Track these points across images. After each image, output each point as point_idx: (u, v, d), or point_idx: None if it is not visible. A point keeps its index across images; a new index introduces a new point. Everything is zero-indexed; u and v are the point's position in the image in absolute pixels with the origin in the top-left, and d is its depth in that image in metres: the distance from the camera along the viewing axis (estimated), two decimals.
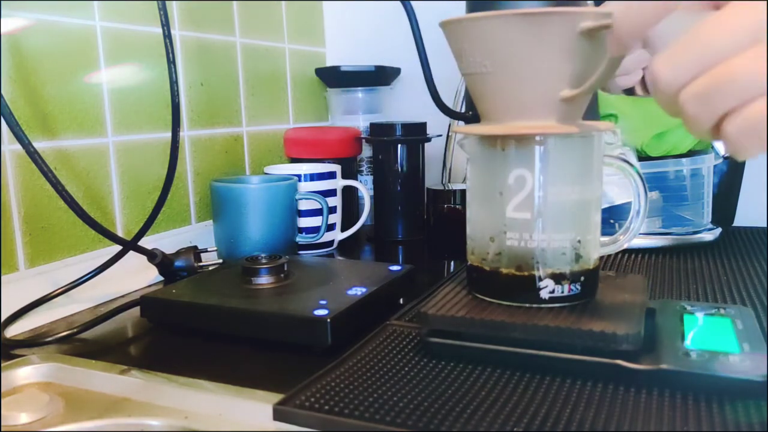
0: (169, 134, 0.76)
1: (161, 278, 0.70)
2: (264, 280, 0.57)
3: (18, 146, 0.55)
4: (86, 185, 0.67)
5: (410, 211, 0.88)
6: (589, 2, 0.61)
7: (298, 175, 0.80)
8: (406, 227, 0.88)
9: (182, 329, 0.54)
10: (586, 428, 0.35)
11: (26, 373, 0.47)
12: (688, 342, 0.41)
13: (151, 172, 0.75)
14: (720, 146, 0.77)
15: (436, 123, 0.92)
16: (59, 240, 0.64)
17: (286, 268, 0.59)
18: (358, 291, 0.54)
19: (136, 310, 0.57)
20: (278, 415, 0.38)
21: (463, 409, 0.37)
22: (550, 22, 0.38)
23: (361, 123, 1.01)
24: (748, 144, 0.29)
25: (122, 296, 0.66)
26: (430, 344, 0.45)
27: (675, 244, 0.74)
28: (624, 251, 0.73)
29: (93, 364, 0.47)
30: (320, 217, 0.79)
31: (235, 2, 0.88)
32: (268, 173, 0.84)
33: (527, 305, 0.44)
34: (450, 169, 0.91)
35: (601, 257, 0.48)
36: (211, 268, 0.68)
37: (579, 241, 0.44)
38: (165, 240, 0.74)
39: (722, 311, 0.46)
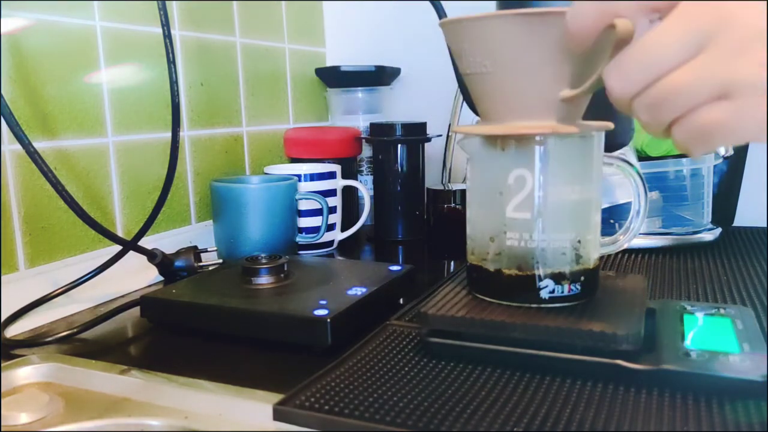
0: (169, 134, 0.76)
1: (161, 278, 0.70)
2: (264, 280, 0.57)
3: (18, 146, 0.55)
4: (86, 185, 0.67)
5: (410, 211, 0.88)
6: None
7: (298, 175, 0.80)
8: (406, 227, 0.88)
9: (182, 329, 0.54)
10: (586, 428, 0.35)
11: (26, 373, 0.47)
12: (688, 342, 0.41)
13: (151, 172, 0.75)
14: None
15: (436, 123, 0.92)
16: (59, 240, 0.64)
17: (286, 268, 0.59)
18: (358, 291, 0.54)
19: (136, 310, 0.57)
20: (278, 415, 0.38)
21: (463, 409, 0.37)
22: (550, 23, 0.38)
23: (361, 123, 1.01)
24: (693, 147, 0.32)
25: (122, 296, 0.66)
26: (430, 344, 0.45)
27: (675, 244, 0.74)
28: (624, 251, 0.73)
29: (93, 364, 0.47)
30: (320, 217, 0.79)
31: (235, 2, 0.88)
32: (268, 173, 0.84)
33: (527, 305, 0.44)
34: (450, 169, 0.91)
35: (601, 257, 0.48)
36: (211, 268, 0.68)
37: (579, 241, 0.44)
38: (165, 240, 0.74)
39: (722, 311, 0.46)
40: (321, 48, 1.10)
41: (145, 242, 0.65)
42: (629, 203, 0.50)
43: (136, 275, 0.69)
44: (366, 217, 0.86)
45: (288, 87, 1.01)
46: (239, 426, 0.39)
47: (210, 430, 0.39)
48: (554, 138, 0.43)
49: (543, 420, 0.35)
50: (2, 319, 0.56)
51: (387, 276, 0.58)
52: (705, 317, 0.45)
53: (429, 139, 0.89)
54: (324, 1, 1.10)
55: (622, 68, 0.32)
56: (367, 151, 0.97)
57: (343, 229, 0.86)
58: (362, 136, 0.95)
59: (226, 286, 0.57)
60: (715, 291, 0.59)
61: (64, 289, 0.60)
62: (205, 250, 0.72)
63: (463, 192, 0.81)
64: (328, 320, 0.47)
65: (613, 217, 0.72)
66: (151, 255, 0.66)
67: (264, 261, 0.59)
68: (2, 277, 0.58)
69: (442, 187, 0.83)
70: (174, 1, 0.78)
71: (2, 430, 0.40)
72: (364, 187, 0.86)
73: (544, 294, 0.44)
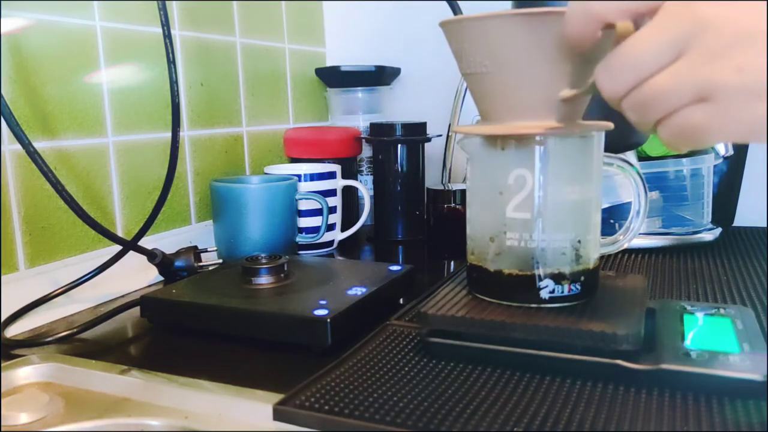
0: (169, 134, 0.76)
1: (161, 278, 0.70)
2: (264, 280, 0.57)
3: (18, 146, 0.55)
4: (86, 185, 0.67)
5: (410, 211, 0.88)
6: None
7: (298, 175, 0.80)
8: (406, 227, 0.88)
9: (182, 329, 0.54)
10: (586, 428, 0.35)
11: (26, 373, 0.47)
12: (688, 342, 0.41)
13: (151, 172, 0.75)
14: (720, 146, 0.77)
15: (436, 123, 0.92)
16: (59, 240, 0.64)
17: (286, 268, 0.59)
18: (358, 291, 0.54)
19: (136, 310, 0.57)
20: (278, 415, 0.38)
21: (463, 409, 0.37)
22: (550, 23, 0.38)
23: (361, 123, 1.01)
24: (676, 144, 0.34)
25: (122, 296, 0.66)
26: (430, 344, 0.45)
27: (675, 244, 0.74)
28: (624, 251, 0.73)
29: (93, 364, 0.47)
30: (320, 217, 0.79)
31: (235, 2, 0.88)
32: (268, 173, 0.84)
33: (527, 305, 0.44)
34: (450, 169, 0.91)
35: (601, 257, 0.48)
36: (211, 268, 0.68)
37: (579, 241, 0.44)
38: (165, 240, 0.74)
39: (722, 311, 0.46)
40: (321, 48, 1.10)
41: (145, 242, 0.65)
42: (629, 203, 0.50)
43: (136, 275, 0.69)
44: (366, 217, 0.86)
45: (288, 87, 1.01)
46: (239, 426, 0.39)
47: (210, 430, 0.39)
48: (554, 138, 0.43)
49: (543, 420, 0.35)
50: (2, 319, 0.56)
51: (387, 276, 0.58)
52: (705, 317, 0.45)
53: (429, 139, 0.89)
54: (324, 1, 1.10)
55: (609, 69, 0.34)
56: (367, 151, 0.97)
57: (343, 229, 0.86)
58: (362, 136, 0.95)
59: (226, 286, 0.57)
60: (715, 291, 0.59)
61: (64, 289, 0.60)
62: (205, 250, 0.72)
63: (463, 192, 0.81)
64: (328, 320, 0.47)
65: (613, 217, 0.72)
66: (151, 255, 0.66)
67: (264, 261, 0.59)
68: (2, 277, 0.58)
69: (442, 187, 0.83)
70: (174, 1, 0.78)
71: (2, 430, 0.40)
72: (364, 187, 0.86)
73: (544, 294, 0.44)
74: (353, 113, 1.03)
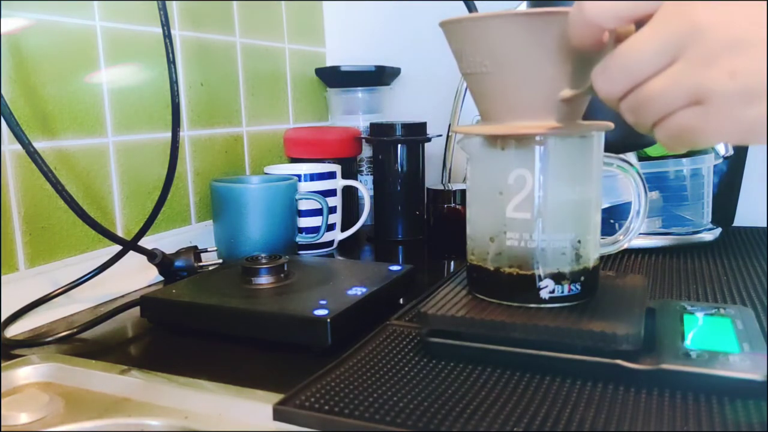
0: (169, 134, 0.76)
1: (161, 278, 0.70)
2: (264, 280, 0.57)
3: (18, 146, 0.55)
4: (86, 185, 0.67)
5: (410, 211, 0.88)
6: None
7: (298, 175, 0.80)
8: (406, 227, 0.88)
9: (182, 329, 0.54)
10: (586, 428, 0.35)
11: (26, 373, 0.47)
12: (688, 342, 0.41)
13: (151, 172, 0.75)
14: (720, 146, 0.77)
15: (436, 123, 0.92)
16: (59, 240, 0.64)
17: (286, 268, 0.59)
18: (358, 291, 0.54)
19: (136, 310, 0.57)
20: (278, 415, 0.38)
21: (463, 409, 0.37)
22: (550, 23, 0.38)
23: (361, 123, 1.01)
24: (673, 145, 0.34)
25: (122, 296, 0.66)
26: (430, 344, 0.45)
27: (675, 244, 0.74)
28: (624, 251, 0.73)
29: (93, 364, 0.47)
30: (320, 217, 0.79)
31: (235, 2, 0.88)
32: (268, 173, 0.84)
33: (527, 305, 0.44)
34: (450, 169, 0.91)
35: (601, 257, 0.48)
36: (211, 268, 0.68)
37: (579, 241, 0.44)
38: (165, 240, 0.74)
39: (722, 311, 0.46)
40: (321, 48, 1.10)
41: (145, 242, 0.65)
42: (629, 203, 0.50)
43: (136, 275, 0.69)
44: (366, 217, 0.86)
45: (288, 87, 1.01)
46: (239, 426, 0.39)
47: (210, 430, 0.39)
48: (554, 138, 0.43)
49: (543, 420, 0.35)
50: (2, 319, 0.56)
51: (387, 276, 0.58)
52: (705, 317, 0.45)
53: (429, 139, 0.89)
54: (324, 1, 1.10)
55: (606, 72, 0.34)
56: (367, 151, 0.97)
57: (343, 229, 0.86)
58: (362, 136, 0.95)
59: (226, 286, 0.57)
60: (715, 291, 0.59)
61: (64, 289, 0.60)
62: (205, 250, 0.72)
63: (463, 192, 0.81)
64: (328, 320, 0.47)
65: (613, 217, 0.72)
66: (151, 255, 0.66)
67: (264, 261, 0.59)
68: (2, 277, 0.58)
69: (442, 187, 0.83)
70: (174, 1, 0.78)
71: (2, 430, 0.40)
72: (364, 187, 0.86)
73: (544, 294, 0.44)
74: (353, 113, 1.03)
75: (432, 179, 0.96)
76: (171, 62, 0.63)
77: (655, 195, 0.75)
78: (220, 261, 0.73)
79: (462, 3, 0.69)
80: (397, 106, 1.07)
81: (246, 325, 0.51)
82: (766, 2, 0.30)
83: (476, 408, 0.37)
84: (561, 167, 0.43)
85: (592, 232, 0.46)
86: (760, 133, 0.31)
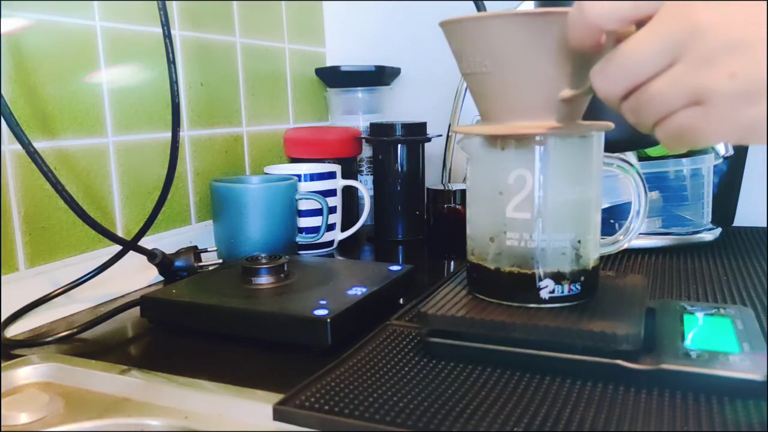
0: (169, 134, 0.76)
1: (161, 278, 0.70)
2: (264, 280, 0.57)
3: (18, 146, 0.55)
4: (86, 185, 0.67)
5: (410, 211, 0.88)
6: None
7: (298, 175, 0.80)
8: (406, 227, 0.88)
9: (182, 329, 0.54)
10: (586, 428, 0.35)
11: (26, 373, 0.47)
12: (688, 342, 0.41)
13: (151, 172, 0.75)
14: (720, 146, 0.77)
15: (436, 123, 0.92)
16: (59, 240, 0.64)
17: (286, 268, 0.59)
18: (358, 291, 0.54)
19: (136, 310, 0.57)
20: (278, 415, 0.38)
21: (463, 409, 0.37)
22: (550, 23, 0.38)
23: (361, 123, 1.01)
24: (674, 145, 0.35)
25: (122, 296, 0.66)
26: (430, 344, 0.45)
27: (675, 244, 0.74)
28: (624, 251, 0.73)
29: (93, 364, 0.47)
30: (320, 217, 0.79)
31: (235, 2, 0.88)
32: (268, 173, 0.84)
33: (527, 305, 0.44)
34: (450, 169, 0.91)
35: (601, 257, 0.48)
36: (211, 268, 0.68)
37: (579, 241, 0.44)
38: (165, 240, 0.74)
39: (722, 311, 0.46)
40: (321, 48, 1.10)
41: (145, 242, 0.65)
42: (629, 203, 0.50)
43: (136, 275, 0.69)
44: (366, 217, 0.86)
45: (288, 87, 1.01)
46: (239, 426, 0.39)
47: (210, 430, 0.39)
48: (554, 138, 0.43)
49: (543, 420, 0.35)
50: (2, 319, 0.56)
51: (387, 276, 0.58)
52: (705, 317, 0.45)
53: (429, 139, 0.89)
54: (324, 1, 1.10)
55: (605, 72, 0.35)
56: (367, 151, 0.97)
57: (343, 229, 0.86)
58: (362, 136, 0.95)
59: (226, 286, 0.57)
60: (715, 291, 0.59)
61: (64, 289, 0.60)
62: (205, 250, 0.72)
63: (463, 192, 0.81)
64: (328, 320, 0.47)
65: (613, 217, 0.72)
66: (151, 255, 0.66)
67: (264, 261, 0.59)
68: (2, 277, 0.58)
69: (442, 187, 0.83)
70: (174, 1, 0.78)
71: (2, 430, 0.40)
72: (364, 187, 0.86)
73: (544, 294, 0.44)
74: (353, 113, 1.03)
75: (432, 179, 0.96)
76: (171, 62, 0.63)
77: (655, 195, 0.75)
78: (220, 261, 0.73)
79: (462, 3, 0.69)
80: (397, 106, 1.07)
81: (246, 325, 0.51)
82: (765, 2, 0.30)
83: (476, 408, 0.37)
84: (561, 167, 0.43)
85: (592, 232, 0.46)
86: (760, 133, 0.31)
